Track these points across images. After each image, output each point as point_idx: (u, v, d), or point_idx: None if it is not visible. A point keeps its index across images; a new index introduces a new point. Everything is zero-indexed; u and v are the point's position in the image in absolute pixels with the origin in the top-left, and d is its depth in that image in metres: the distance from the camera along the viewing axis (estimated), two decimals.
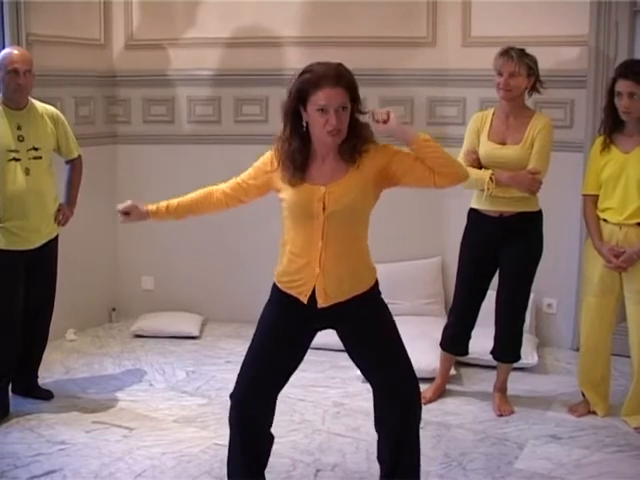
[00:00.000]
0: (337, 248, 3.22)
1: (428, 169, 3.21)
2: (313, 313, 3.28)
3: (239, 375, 3.39)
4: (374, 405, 3.43)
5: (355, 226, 3.27)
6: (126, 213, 3.46)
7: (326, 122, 3.11)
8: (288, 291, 3.31)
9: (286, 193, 3.25)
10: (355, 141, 3.20)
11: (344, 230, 3.23)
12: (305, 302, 3.27)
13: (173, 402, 4.81)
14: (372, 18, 5.79)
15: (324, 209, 3.18)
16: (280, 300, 3.36)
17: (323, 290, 3.24)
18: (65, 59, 5.68)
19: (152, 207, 3.46)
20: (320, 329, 3.42)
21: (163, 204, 3.47)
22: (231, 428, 3.42)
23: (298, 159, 3.21)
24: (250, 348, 3.39)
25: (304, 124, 3.19)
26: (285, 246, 3.32)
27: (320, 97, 3.10)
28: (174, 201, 3.47)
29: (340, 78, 3.12)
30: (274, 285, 3.40)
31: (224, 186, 3.47)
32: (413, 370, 3.37)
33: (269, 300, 3.42)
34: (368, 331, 3.33)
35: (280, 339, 3.33)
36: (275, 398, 3.43)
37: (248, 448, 3.41)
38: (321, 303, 3.25)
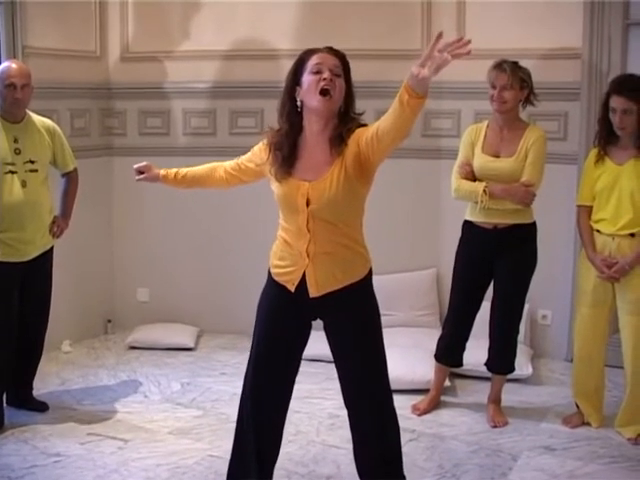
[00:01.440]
0: (326, 239, 3.24)
1: (375, 132, 3.11)
2: (304, 302, 3.30)
3: (246, 373, 3.46)
4: (348, 418, 3.47)
5: (344, 217, 3.25)
6: (141, 172, 3.68)
7: (319, 80, 3.14)
8: (277, 278, 3.36)
9: (274, 185, 3.31)
10: (342, 129, 3.21)
11: (332, 223, 3.23)
12: (292, 291, 3.30)
13: (168, 414, 4.81)
14: (367, 30, 5.81)
15: (308, 204, 3.20)
16: (273, 288, 3.40)
17: (314, 280, 3.27)
18: (61, 71, 5.69)
19: (163, 171, 3.69)
20: (313, 319, 3.43)
21: (173, 170, 3.68)
22: (243, 433, 3.47)
23: (286, 145, 3.24)
24: (252, 345, 3.45)
25: (298, 103, 3.23)
26: (280, 231, 3.37)
27: (314, 59, 3.20)
28: (183, 170, 3.68)
29: (333, 50, 3.26)
30: (269, 269, 3.44)
31: (227, 164, 3.59)
32: (387, 380, 3.39)
33: (265, 284, 3.46)
34: (351, 325, 3.33)
35: (277, 332, 3.38)
36: (286, 392, 3.48)
37: (259, 449, 3.47)
38: (313, 293, 3.28)
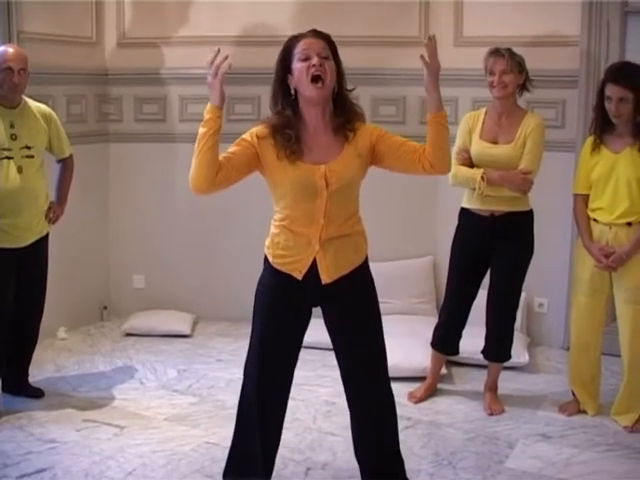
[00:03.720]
0: (338, 223, 3.27)
1: (416, 153, 3.25)
2: (312, 289, 3.30)
3: (248, 364, 3.44)
4: (347, 402, 3.53)
5: (352, 199, 3.33)
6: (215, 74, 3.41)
7: (309, 66, 3.16)
8: (280, 267, 3.33)
9: (284, 173, 3.23)
10: (346, 118, 3.27)
11: (344, 205, 3.28)
12: (300, 279, 3.29)
13: (164, 400, 4.80)
14: (364, 17, 5.79)
15: (327, 187, 3.21)
16: (275, 277, 3.36)
17: (326, 266, 3.27)
18: (57, 57, 5.66)
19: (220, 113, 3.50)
20: (314, 306, 3.43)
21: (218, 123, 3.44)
22: (246, 427, 3.46)
23: (294, 125, 3.24)
24: (253, 336, 3.42)
25: (292, 92, 3.26)
26: (282, 221, 3.31)
27: (301, 46, 3.22)
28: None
29: (319, 33, 3.27)
30: (266, 259, 3.40)
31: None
32: (385, 365, 3.44)
33: (263, 274, 3.43)
34: (356, 309, 3.37)
35: (280, 322, 3.37)
36: (289, 380, 3.48)
37: (261, 438, 3.46)
38: (326, 279, 3.28)
